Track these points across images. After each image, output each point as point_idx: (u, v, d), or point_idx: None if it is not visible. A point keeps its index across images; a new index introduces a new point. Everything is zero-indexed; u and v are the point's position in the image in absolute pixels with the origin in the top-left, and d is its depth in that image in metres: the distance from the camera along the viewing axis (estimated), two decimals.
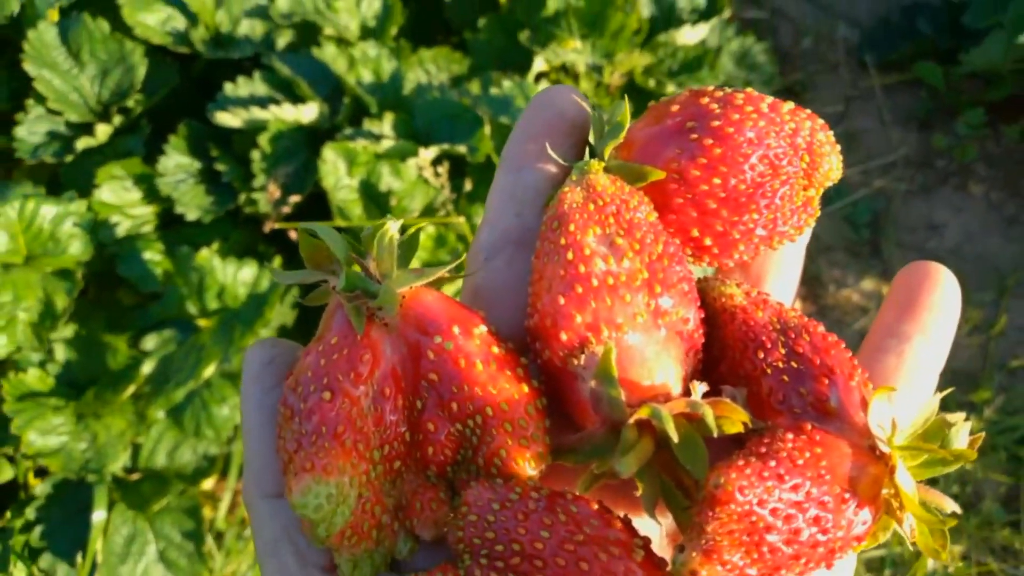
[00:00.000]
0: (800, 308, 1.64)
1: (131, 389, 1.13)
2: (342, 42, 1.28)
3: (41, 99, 1.21)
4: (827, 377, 0.40)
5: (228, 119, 1.14)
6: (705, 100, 0.43)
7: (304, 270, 0.41)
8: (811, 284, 1.77)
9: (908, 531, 0.38)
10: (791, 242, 0.45)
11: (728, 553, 0.36)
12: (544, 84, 1.20)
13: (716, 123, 0.41)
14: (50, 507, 1.17)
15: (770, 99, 0.43)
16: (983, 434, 0.39)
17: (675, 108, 0.43)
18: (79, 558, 1.11)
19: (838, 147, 0.43)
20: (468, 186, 1.16)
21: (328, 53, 1.20)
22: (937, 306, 0.43)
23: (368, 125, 1.16)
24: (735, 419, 0.38)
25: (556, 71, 1.43)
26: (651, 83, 1.39)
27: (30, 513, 1.17)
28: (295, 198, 1.12)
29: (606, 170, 0.43)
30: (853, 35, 2.06)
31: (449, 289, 0.58)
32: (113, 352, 1.13)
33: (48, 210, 1.15)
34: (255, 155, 1.12)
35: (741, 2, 2.09)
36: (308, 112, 1.16)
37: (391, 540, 0.41)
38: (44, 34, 1.22)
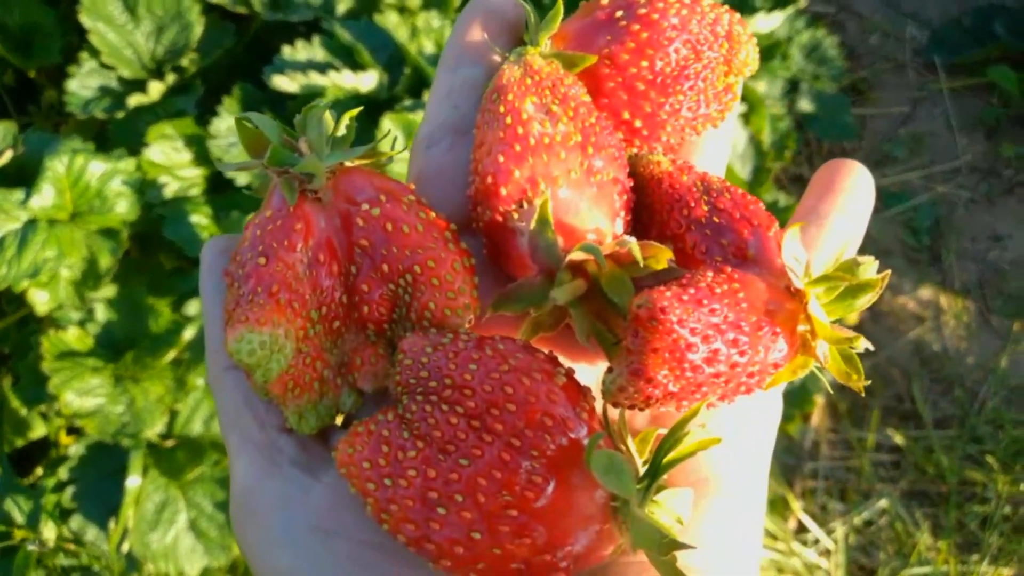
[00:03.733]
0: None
1: (171, 354, 1.10)
2: (404, 11, 1.24)
3: (95, 53, 1.18)
4: (746, 228, 0.43)
5: (285, 83, 1.10)
6: None
7: (246, 160, 0.43)
8: None
9: (822, 359, 0.41)
10: (714, 127, 0.48)
11: (653, 370, 0.39)
12: None
13: (643, 11, 0.45)
14: (83, 468, 1.15)
15: None
16: (888, 272, 0.41)
17: (605, 1, 0.46)
18: (111, 523, 1.09)
19: (755, 39, 0.47)
20: None
21: (390, 20, 1.16)
22: (852, 189, 0.47)
23: (427, 97, 1.12)
24: (660, 257, 0.40)
25: None
26: None
27: (63, 473, 1.15)
28: None
29: (541, 56, 0.46)
30: (922, 35, 1.99)
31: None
32: (155, 316, 1.10)
33: (97, 167, 1.12)
34: None
35: None
36: (367, 80, 1.12)
37: (335, 394, 0.44)
38: None
